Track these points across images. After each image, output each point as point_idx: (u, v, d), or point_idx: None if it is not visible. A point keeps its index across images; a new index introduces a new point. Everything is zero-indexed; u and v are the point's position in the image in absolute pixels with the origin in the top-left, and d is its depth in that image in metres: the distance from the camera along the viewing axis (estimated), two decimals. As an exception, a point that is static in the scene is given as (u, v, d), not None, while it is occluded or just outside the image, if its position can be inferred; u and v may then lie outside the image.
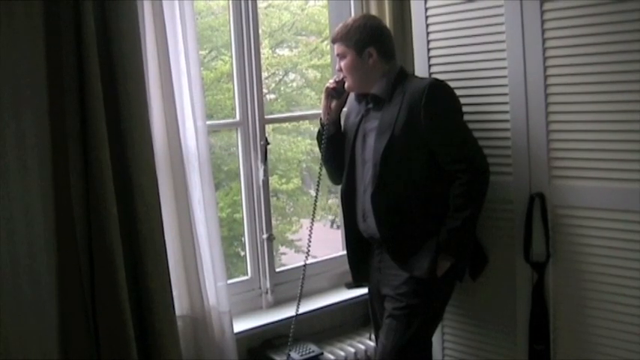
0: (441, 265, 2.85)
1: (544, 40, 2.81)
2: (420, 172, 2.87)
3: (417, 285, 2.87)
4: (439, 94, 2.85)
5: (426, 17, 3.23)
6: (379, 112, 2.92)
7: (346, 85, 3.00)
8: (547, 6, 2.78)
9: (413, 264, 2.87)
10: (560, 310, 2.93)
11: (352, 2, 3.73)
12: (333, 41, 2.99)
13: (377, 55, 2.91)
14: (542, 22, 2.80)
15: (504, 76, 2.96)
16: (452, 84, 2.92)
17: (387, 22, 3.56)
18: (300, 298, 3.07)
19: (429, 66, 3.25)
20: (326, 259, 3.74)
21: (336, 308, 3.55)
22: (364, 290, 3.28)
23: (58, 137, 2.53)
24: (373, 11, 3.62)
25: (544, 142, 2.87)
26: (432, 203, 2.87)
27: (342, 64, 2.96)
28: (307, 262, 3.09)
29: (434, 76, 3.19)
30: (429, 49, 3.25)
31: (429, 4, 3.21)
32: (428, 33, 3.24)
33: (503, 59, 2.96)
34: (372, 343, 3.41)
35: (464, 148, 2.87)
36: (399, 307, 2.89)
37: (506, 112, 2.99)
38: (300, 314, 3.09)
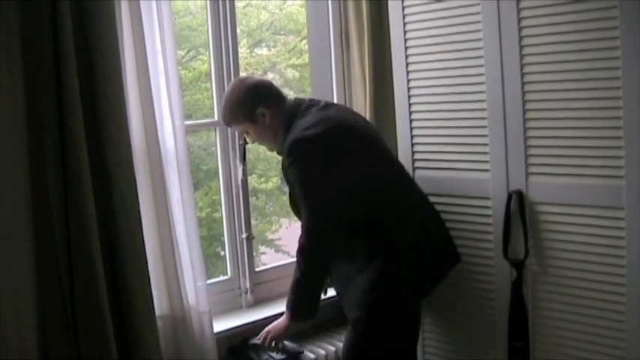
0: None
1: (520, 38, 2.83)
2: None
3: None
4: (292, 154, 2.82)
5: (404, 17, 3.24)
6: None
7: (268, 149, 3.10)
8: (523, 4, 2.80)
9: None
10: (539, 306, 2.95)
11: (330, 1, 3.73)
12: (227, 125, 3.08)
13: (267, 111, 2.94)
14: (519, 20, 2.82)
15: (482, 74, 2.98)
16: (429, 83, 2.94)
17: (365, 22, 3.55)
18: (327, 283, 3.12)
19: (407, 68, 3.27)
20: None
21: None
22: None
23: (36, 137, 2.50)
24: (351, 11, 3.61)
25: (521, 138, 2.89)
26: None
27: (251, 138, 3.04)
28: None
29: (411, 75, 3.24)
30: (406, 49, 3.26)
31: (406, 4, 3.22)
32: (406, 35, 3.25)
33: (481, 56, 2.98)
34: (352, 342, 3.40)
35: (303, 200, 2.82)
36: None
37: (483, 109, 3.01)
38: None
